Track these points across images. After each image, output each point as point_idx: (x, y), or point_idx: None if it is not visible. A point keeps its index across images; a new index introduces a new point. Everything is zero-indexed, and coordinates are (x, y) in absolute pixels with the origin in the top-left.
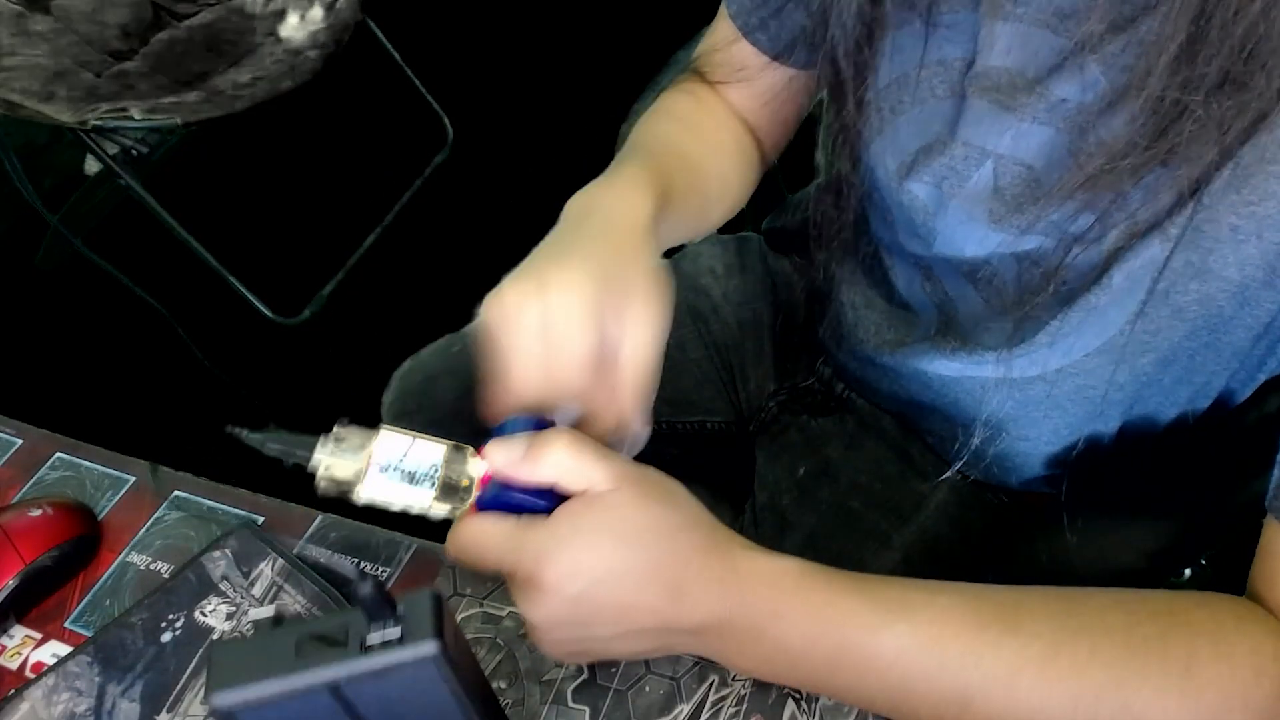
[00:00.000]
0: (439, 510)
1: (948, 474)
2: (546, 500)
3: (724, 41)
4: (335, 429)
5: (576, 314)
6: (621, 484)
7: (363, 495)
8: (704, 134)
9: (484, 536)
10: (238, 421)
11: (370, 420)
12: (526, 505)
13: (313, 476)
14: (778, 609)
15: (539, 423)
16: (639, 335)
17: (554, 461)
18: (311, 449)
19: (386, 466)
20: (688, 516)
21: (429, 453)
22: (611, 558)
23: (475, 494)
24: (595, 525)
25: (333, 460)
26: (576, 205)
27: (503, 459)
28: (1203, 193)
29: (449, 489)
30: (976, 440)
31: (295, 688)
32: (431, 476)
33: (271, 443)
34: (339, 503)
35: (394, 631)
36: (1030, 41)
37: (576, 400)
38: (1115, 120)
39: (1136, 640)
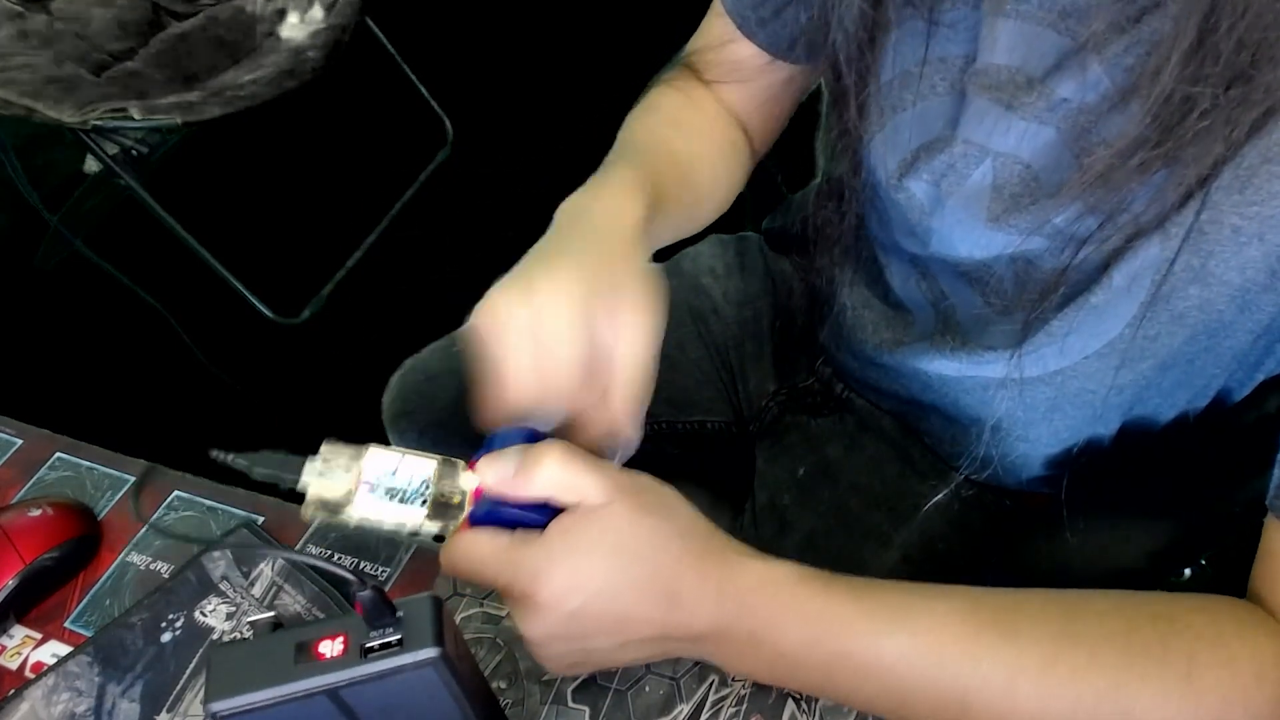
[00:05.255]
0: (431, 527)
1: (956, 480)
2: (540, 514)
3: (718, 40)
4: (322, 449)
5: (565, 317)
6: (615, 497)
7: (353, 516)
8: (694, 133)
9: (478, 553)
10: (237, 422)
11: (369, 423)
12: (520, 520)
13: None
14: (775, 616)
15: (530, 434)
16: (632, 339)
17: (546, 477)
18: (299, 470)
19: (376, 485)
20: (683, 525)
21: (419, 469)
22: (607, 572)
23: (468, 509)
24: (589, 541)
25: (321, 482)
26: (567, 210)
27: (494, 476)
28: (1206, 193)
29: (441, 505)
30: (981, 450)
31: (294, 694)
32: (422, 493)
33: (259, 467)
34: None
35: (394, 636)
36: (1032, 40)
37: (565, 405)
38: (1117, 121)
39: (1136, 645)
